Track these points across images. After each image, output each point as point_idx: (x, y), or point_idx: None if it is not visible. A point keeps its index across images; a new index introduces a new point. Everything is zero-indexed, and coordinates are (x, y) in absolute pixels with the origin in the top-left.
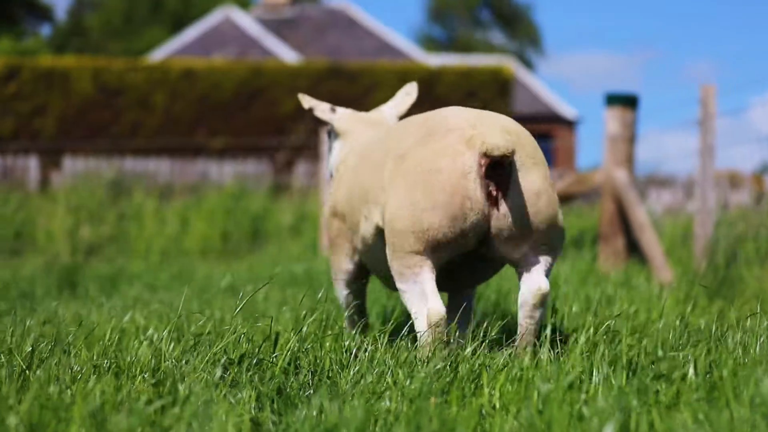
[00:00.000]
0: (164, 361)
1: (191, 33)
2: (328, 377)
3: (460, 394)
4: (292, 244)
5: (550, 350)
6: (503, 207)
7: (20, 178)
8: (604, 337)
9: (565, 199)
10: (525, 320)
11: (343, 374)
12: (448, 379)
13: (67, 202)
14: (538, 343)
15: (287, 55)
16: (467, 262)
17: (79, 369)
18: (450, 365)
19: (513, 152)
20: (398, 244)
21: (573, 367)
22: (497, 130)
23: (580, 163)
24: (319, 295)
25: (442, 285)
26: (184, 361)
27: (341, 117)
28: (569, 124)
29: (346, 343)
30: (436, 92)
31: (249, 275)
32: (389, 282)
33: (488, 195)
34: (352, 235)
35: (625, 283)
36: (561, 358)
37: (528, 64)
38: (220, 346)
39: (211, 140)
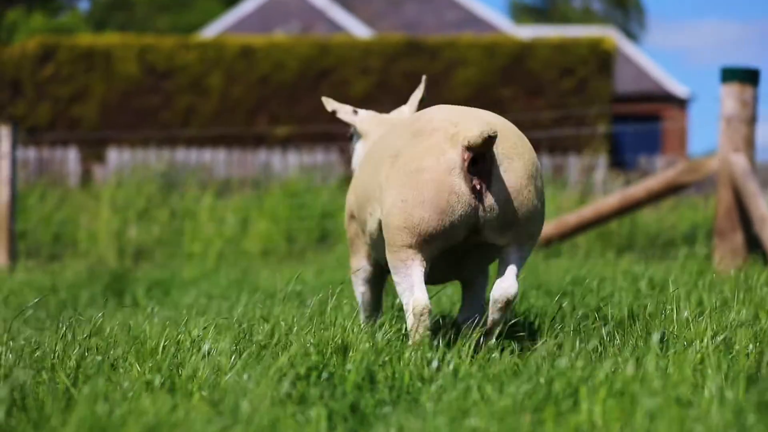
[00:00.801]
0: (224, 376)
1: (249, 5)
2: (408, 392)
3: (556, 410)
4: None
5: (658, 359)
6: (488, 198)
7: (58, 172)
8: (719, 346)
9: (675, 189)
10: (493, 315)
11: (425, 389)
12: (542, 395)
13: (111, 199)
14: (502, 332)
15: (358, 29)
16: (467, 249)
17: (129, 386)
18: (544, 379)
19: (493, 140)
20: (392, 240)
21: (683, 380)
22: (479, 125)
23: (693, 148)
24: (397, 301)
25: (449, 274)
26: (245, 376)
27: (363, 119)
28: (680, 104)
29: (428, 354)
30: (527, 68)
31: (317, 280)
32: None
33: (473, 188)
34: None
35: (743, 285)
36: (669, 369)
37: (632, 35)
38: (286, 358)
39: (274, 128)
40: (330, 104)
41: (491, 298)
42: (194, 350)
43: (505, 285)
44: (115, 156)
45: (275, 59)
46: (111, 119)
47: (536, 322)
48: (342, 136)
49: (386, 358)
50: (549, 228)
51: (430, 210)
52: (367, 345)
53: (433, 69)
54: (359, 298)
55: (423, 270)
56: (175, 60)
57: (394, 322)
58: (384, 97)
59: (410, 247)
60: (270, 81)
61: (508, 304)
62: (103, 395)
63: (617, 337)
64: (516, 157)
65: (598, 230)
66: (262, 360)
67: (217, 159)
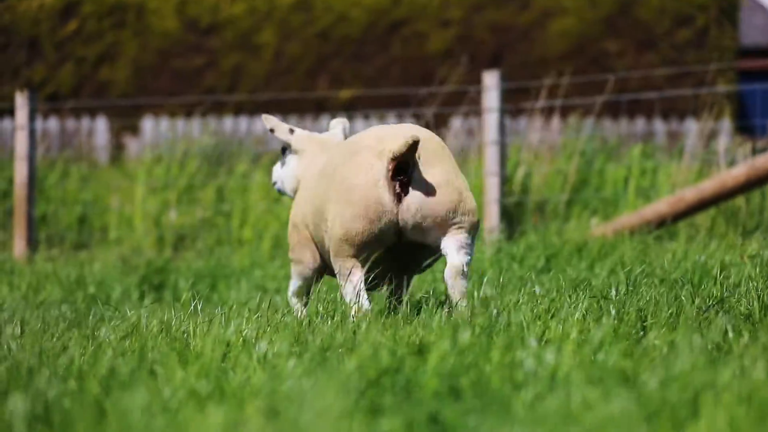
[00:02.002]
0: (282, 383)
1: None
2: (497, 400)
3: (673, 420)
4: None
5: None
6: (405, 201)
7: (84, 146)
8: None
9: None
10: (450, 291)
11: (517, 396)
12: (655, 402)
13: (147, 177)
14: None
15: None
16: (405, 249)
17: (170, 395)
18: (658, 383)
19: (412, 155)
20: (336, 250)
21: None
22: (401, 139)
23: None
24: (481, 292)
25: (389, 268)
26: (307, 383)
27: (298, 137)
28: None
29: (520, 355)
30: (635, 16)
31: None
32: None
33: (393, 194)
34: (316, 246)
35: None
36: None
37: None
38: (354, 362)
39: (337, 91)
40: (269, 122)
41: (445, 278)
42: (246, 353)
43: (450, 260)
44: (150, 126)
45: (338, 10)
46: (145, 83)
47: (647, 317)
48: (416, 99)
49: (470, 360)
50: (662, 205)
51: (362, 222)
52: (448, 345)
53: (524, 20)
54: (295, 306)
55: (362, 274)
56: (221, 13)
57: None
58: (465, 53)
59: (351, 256)
60: (332, 36)
61: (458, 272)
62: (139, 407)
63: (744, 334)
64: (436, 163)
65: (721, 207)
66: (326, 364)
67: None
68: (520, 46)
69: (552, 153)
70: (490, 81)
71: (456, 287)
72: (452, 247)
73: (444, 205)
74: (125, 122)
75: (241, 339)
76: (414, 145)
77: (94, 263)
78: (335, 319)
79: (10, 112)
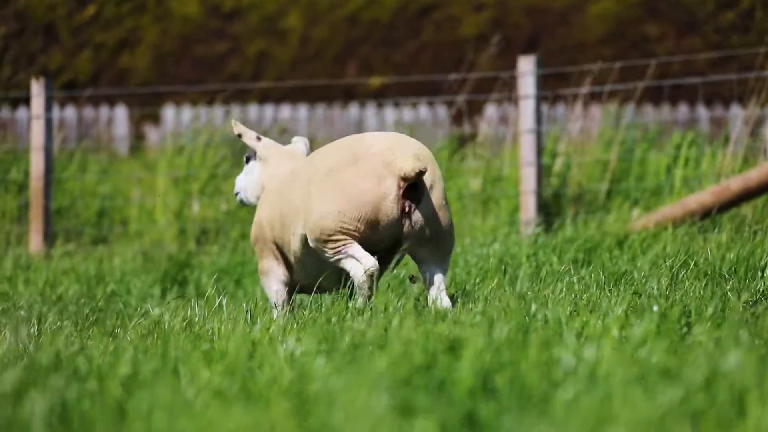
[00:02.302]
0: (311, 383)
1: None
2: (535, 399)
3: (718, 420)
4: (481, 218)
5: None
6: (413, 218)
7: (104, 136)
8: None
9: None
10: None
11: (555, 395)
12: (700, 401)
13: (169, 168)
14: None
15: None
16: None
17: (194, 395)
18: (703, 381)
19: (423, 174)
20: (326, 239)
21: None
22: (410, 157)
23: None
24: (518, 287)
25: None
26: (337, 382)
27: (266, 145)
28: None
29: (558, 352)
30: None
31: None
32: (310, 289)
33: (402, 209)
34: (280, 249)
35: None
36: None
37: None
38: (384, 360)
39: (366, 78)
40: (237, 128)
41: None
42: (273, 351)
43: (442, 306)
44: (172, 115)
45: None
46: (166, 70)
47: (691, 312)
48: (449, 86)
49: (506, 358)
50: (706, 196)
51: (364, 226)
52: (483, 342)
53: (562, 2)
54: (274, 296)
55: (359, 245)
56: None
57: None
58: (499, 37)
59: (344, 239)
60: (361, 20)
61: (440, 306)
62: (162, 407)
63: None
64: (435, 182)
65: None
66: (356, 362)
67: (297, 117)
68: (558, 29)
69: (591, 141)
70: (526, 66)
71: (442, 304)
72: (438, 279)
73: (443, 228)
74: (146, 111)
75: (268, 337)
76: (423, 173)
77: (114, 258)
78: (365, 315)
79: (26, 101)
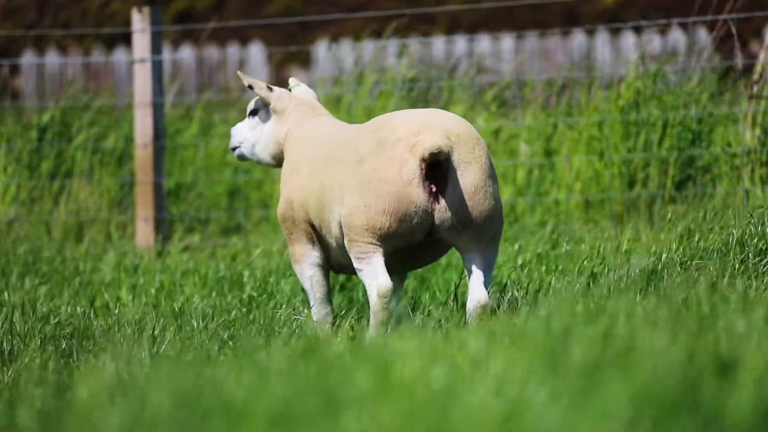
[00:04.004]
0: (527, 418)
1: None
2: None
3: None
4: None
5: None
6: (442, 202)
7: (233, 84)
8: None
9: None
10: (470, 318)
11: None
12: None
13: None
14: None
15: None
16: (419, 247)
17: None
18: None
19: (448, 153)
20: (355, 237)
21: None
22: (437, 135)
23: None
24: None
25: (396, 267)
26: (558, 415)
27: (279, 96)
28: None
29: None
30: None
31: (684, 251)
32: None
33: (429, 193)
34: (315, 228)
35: None
36: None
37: None
38: (627, 386)
39: None
40: (246, 79)
41: (468, 311)
42: (475, 376)
43: (476, 296)
44: (325, 54)
45: None
46: None
47: None
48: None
49: None
50: None
51: (390, 218)
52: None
53: None
54: (308, 282)
55: (383, 258)
56: None
57: None
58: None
59: (372, 242)
60: None
61: (484, 312)
62: None
63: None
64: (473, 161)
65: None
66: (589, 391)
67: (500, 49)
68: None
69: None
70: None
71: (483, 316)
72: (479, 276)
73: (483, 212)
74: (290, 49)
75: (468, 358)
76: (447, 152)
77: (252, 253)
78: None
79: (125, 38)
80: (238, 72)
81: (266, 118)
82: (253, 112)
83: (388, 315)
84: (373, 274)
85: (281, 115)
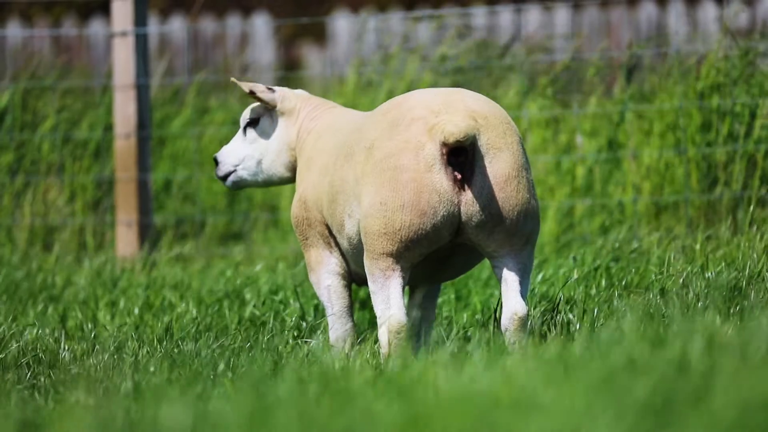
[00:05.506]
0: None
1: None
2: None
3: None
4: None
5: None
6: (469, 193)
7: (233, 62)
8: None
9: None
10: (511, 340)
11: None
12: None
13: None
14: None
15: None
16: (448, 255)
17: None
18: None
19: (474, 137)
20: (371, 246)
21: None
22: (461, 116)
23: None
24: None
25: (424, 279)
26: None
27: (284, 96)
28: None
29: None
30: None
31: None
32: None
33: (454, 181)
34: (330, 230)
35: None
36: None
37: None
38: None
39: None
40: (245, 86)
41: (502, 325)
42: (516, 414)
43: (511, 308)
44: (346, 28)
45: None
46: None
47: None
48: None
49: None
50: None
51: (410, 213)
52: None
53: None
54: (325, 293)
55: (402, 282)
56: None
57: None
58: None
59: (391, 255)
60: None
61: (522, 326)
62: None
63: None
64: (504, 147)
65: None
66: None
67: (552, 22)
68: None
69: None
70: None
71: (518, 337)
72: (514, 285)
73: (514, 207)
74: (302, 22)
75: (518, 394)
76: (472, 136)
77: (256, 264)
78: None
79: (103, 7)
80: (233, 79)
81: (271, 125)
82: (251, 123)
83: (397, 350)
84: (386, 301)
85: (290, 116)
